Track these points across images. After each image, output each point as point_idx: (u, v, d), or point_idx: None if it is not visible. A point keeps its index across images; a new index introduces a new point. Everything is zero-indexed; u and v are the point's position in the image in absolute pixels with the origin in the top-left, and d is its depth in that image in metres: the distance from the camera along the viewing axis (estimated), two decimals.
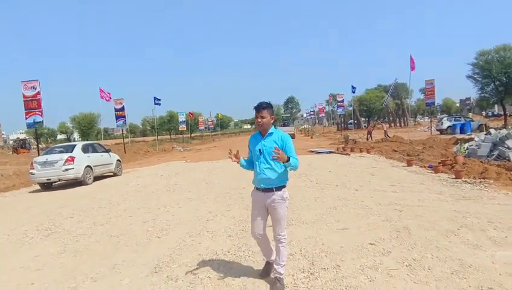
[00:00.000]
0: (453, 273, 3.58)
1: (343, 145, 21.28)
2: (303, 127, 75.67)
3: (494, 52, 30.45)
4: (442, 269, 3.70)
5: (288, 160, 3.32)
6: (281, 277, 3.51)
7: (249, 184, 9.59)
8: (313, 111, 74.40)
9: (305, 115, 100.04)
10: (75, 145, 13.73)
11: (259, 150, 3.48)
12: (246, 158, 3.74)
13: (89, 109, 66.96)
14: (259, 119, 3.46)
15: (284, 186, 3.51)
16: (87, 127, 55.34)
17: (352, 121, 48.01)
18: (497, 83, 30.83)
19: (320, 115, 67.97)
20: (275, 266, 3.58)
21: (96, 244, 5.46)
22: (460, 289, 3.27)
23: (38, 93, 18.33)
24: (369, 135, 28.93)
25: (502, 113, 36.57)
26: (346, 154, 17.57)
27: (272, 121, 3.53)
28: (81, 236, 5.97)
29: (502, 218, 5.36)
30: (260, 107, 3.46)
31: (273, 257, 3.71)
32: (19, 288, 4.03)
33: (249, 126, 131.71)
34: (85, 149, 13.62)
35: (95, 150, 14.34)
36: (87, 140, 43.23)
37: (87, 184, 12.76)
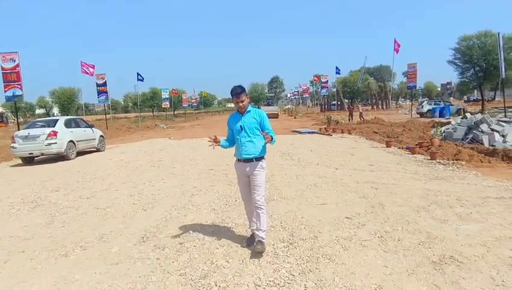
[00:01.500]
0: (419, 244, 3.91)
1: (325, 126, 21.66)
2: (287, 107, 75.88)
3: (476, 38, 30.97)
4: (410, 240, 4.03)
5: (271, 139, 3.76)
6: (263, 240, 3.86)
7: (232, 161, 9.80)
8: (297, 91, 74.59)
9: (289, 95, 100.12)
10: (57, 119, 13.59)
11: (241, 126, 3.89)
12: (225, 139, 4.12)
13: (69, 83, 65.45)
14: (240, 104, 3.87)
15: (262, 157, 3.96)
16: (67, 102, 54.18)
17: (336, 102, 48.41)
18: (477, 68, 31.51)
19: (304, 96, 68.21)
20: (256, 232, 3.90)
21: (84, 216, 5.60)
22: (425, 257, 3.60)
23: (17, 65, 17.86)
24: (350, 116, 29.46)
25: (481, 98, 37.54)
26: (328, 134, 17.93)
27: (248, 100, 3.96)
28: (68, 208, 6.09)
29: (470, 196, 5.75)
30: (238, 93, 3.85)
31: (254, 227, 3.99)
32: (10, 255, 4.17)
33: (232, 105, 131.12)
34: (68, 124, 13.50)
35: (77, 125, 14.22)
36: (67, 115, 42.43)
37: (69, 159, 12.73)
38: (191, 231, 4.61)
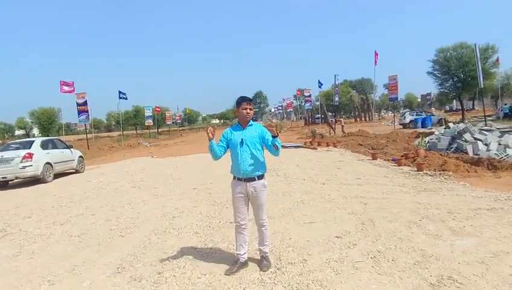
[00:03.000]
0: (415, 264, 3.67)
1: (310, 140, 21.53)
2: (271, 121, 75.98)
3: (452, 50, 31.75)
4: (405, 260, 3.79)
5: (277, 136, 3.60)
6: (266, 255, 3.84)
7: (216, 180, 9.59)
8: (281, 106, 74.96)
9: (273, 110, 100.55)
10: (33, 141, 13.06)
11: (242, 139, 3.65)
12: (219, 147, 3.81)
13: (49, 103, 64.16)
14: (248, 110, 3.68)
15: (263, 175, 3.75)
16: (47, 122, 52.90)
17: (320, 115, 48.69)
18: (455, 79, 32.19)
19: (288, 110, 68.54)
20: (260, 247, 3.85)
21: (55, 245, 5.20)
22: (422, 279, 3.36)
23: None
24: (330, 129, 29.62)
25: (460, 107, 38.30)
26: (314, 148, 17.79)
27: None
28: (39, 237, 5.67)
29: (461, 208, 5.58)
30: (249, 99, 3.73)
31: (243, 253, 3.82)
32: None
33: (217, 121, 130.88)
34: (44, 145, 12.99)
35: (55, 146, 13.71)
36: (48, 136, 41.38)
37: (46, 182, 12.19)
38: (170, 259, 4.27)
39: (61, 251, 4.95)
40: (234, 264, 3.81)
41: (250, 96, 3.82)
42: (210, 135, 3.63)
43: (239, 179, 3.72)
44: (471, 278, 3.31)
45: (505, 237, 4.31)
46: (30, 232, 5.99)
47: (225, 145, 3.79)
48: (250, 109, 3.70)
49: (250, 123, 3.76)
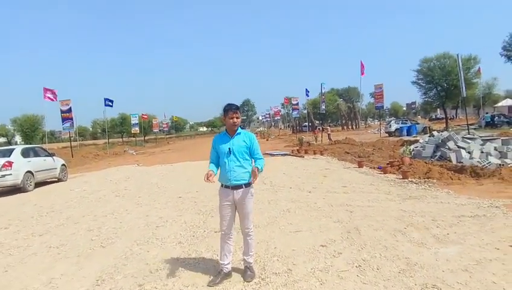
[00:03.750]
0: (400, 272, 3.65)
1: (297, 148, 21.59)
2: (259, 129, 76.13)
3: (436, 60, 32.47)
4: (390, 269, 3.76)
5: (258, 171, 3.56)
6: (251, 265, 3.78)
7: (202, 188, 9.47)
8: (269, 114, 75.15)
9: (260, 118, 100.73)
10: (13, 149, 12.76)
11: (229, 149, 3.61)
12: (213, 164, 3.78)
13: (32, 110, 62.84)
14: (235, 119, 3.62)
15: (251, 183, 3.68)
16: (30, 130, 51.89)
17: (307, 123, 48.96)
18: (439, 88, 32.86)
19: (276, 118, 68.75)
20: (244, 257, 3.80)
21: (33, 257, 5.02)
22: (406, 287, 3.33)
23: None
24: (315, 137, 29.91)
25: (444, 116, 39.02)
26: (301, 156, 17.83)
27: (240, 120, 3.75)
28: (16, 249, 5.47)
29: (444, 216, 5.61)
30: (235, 107, 3.66)
31: (227, 264, 3.74)
32: None
33: (204, 129, 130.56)
34: (25, 153, 12.68)
35: (36, 154, 13.40)
36: (31, 143, 40.56)
37: (27, 191, 11.88)
38: (152, 270, 4.16)
39: (38, 263, 4.77)
40: (217, 275, 3.73)
41: (238, 104, 3.78)
42: (212, 180, 3.57)
43: (226, 187, 3.68)
44: (455, 286, 3.29)
45: (488, 244, 4.33)
46: (6, 244, 5.78)
47: (217, 157, 3.77)
48: (237, 118, 3.65)
49: (238, 131, 3.70)
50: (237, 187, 3.62)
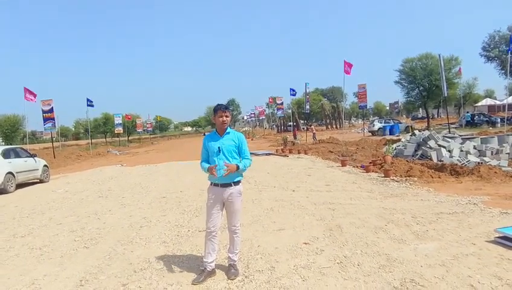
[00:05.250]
0: (380, 268, 3.76)
1: (282, 147, 21.71)
2: (244, 129, 76.14)
3: (418, 60, 33.06)
4: (370, 265, 3.87)
5: (237, 168, 3.65)
6: (235, 263, 3.84)
7: (186, 188, 9.49)
8: (254, 114, 75.21)
9: (245, 118, 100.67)
10: None
11: (219, 147, 3.70)
12: (204, 162, 3.87)
13: (12, 110, 61.51)
14: (224, 118, 3.71)
15: (240, 181, 3.81)
16: (10, 130, 50.74)
17: (292, 123, 49.19)
18: (421, 88, 33.46)
19: (261, 118, 68.88)
20: (229, 255, 3.87)
21: (15, 259, 4.95)
22: (386, 282, 3.43)
23: None
24: (294, 135, 30.25)
25: (426, 115, 39.79)
26: (285, 155, 17.95)
27: (230, 119, 3.84)
28: None
29: (424, 213, 5.77)
30: (224, 107, 3.75)
31: (210, 262, 3.78)
32: None
33: (189, 128, 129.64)
34: (6, 154, 12.41)
35: (17, 155, 13.14)
36: (11, 144, 39.69)
37: (8, 192, 11.63)
38: (136, 270, 4.16)
39: (20, 264, 4.71)
40: (201, 273, 3.76)
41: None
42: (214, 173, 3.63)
43: (215, 185, 3.76)
44: (432, 281, 3.41)
45: (465, 239, 4.49)
46: None
47: (208, 155, 3.85)
48: (227, 116, 3.73)
49: (227, 131, 3.79)
50: (226, 185, 3.71)
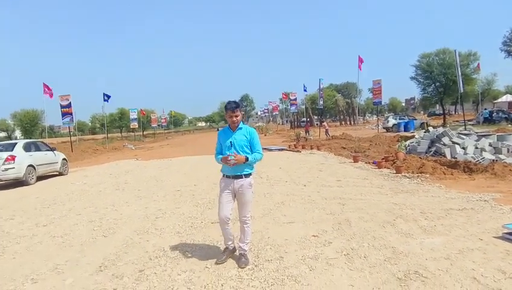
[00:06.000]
0: (385, 260, 3.88)
1: (294, 143, 21.80)
2: (257, 124, 76.27)
3: (435, 55, 32.57)
4: (376, 257, 3.99)
5: (246, 160, 3.82)
6: (245, 252, 4.02)
7: (199, 181, 9.71)
8: (267, 109, 75.29)
9: (259, 113, 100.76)
10: (15, 143, 12.95)
11: (231, 142, 3.92)
12: (219, 155, 4.03)
13: (32, 105, 62.96)
14: (234, 118, 3.90)
15: (251, 174, 3.99)
16: (30, 125, 52.09)
17: (305, 119, 49.12)
18: (437, 84, 33.00)
19: (274, 113, 68.89)
20: (240, 244, 4.06)
21: (38, 246, 5.25)
22: (390, 274, 3.56)
23: None
24: (306, 132, 30.26)
25: (442, 112, 39.22)
26: (298, 151, 18.04)
27: (241, 116, 4.01)
28: (22, 238, 5.70)
29: (433, 209, 5.83)
30: (234, 107, 3.89)
31: (231, 243, 4.13)
32: None
33: (203, 124, 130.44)
34: (27, 148, 12.89)
35: (38, 149, 13.61)
36: (31, 138, 40.73)
37: (29, 184, 12.09)
38: (152, 257, 4.39)
39: (44, 251, 5.00)
40: (224, 252, 4.14)
41: (237, 99, 4.04)
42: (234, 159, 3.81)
43: (227, 177, 3.97)
44: (436, 273, 3.52)
45: (472, 235, 4.56)
46: (13, 233, 6.01)
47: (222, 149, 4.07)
48: (236, 116, 3.91)
49: (239, 126, 3.98)
50: (237, 177, 3.90)
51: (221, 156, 3.94)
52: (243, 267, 3.87)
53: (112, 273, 4.01)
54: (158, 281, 3.71)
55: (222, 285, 3.53)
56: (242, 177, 3.91)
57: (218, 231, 5.11)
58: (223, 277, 3.71)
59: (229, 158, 3.78)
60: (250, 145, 3.97)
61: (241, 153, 3.87)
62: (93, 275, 4.01)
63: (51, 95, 26.58)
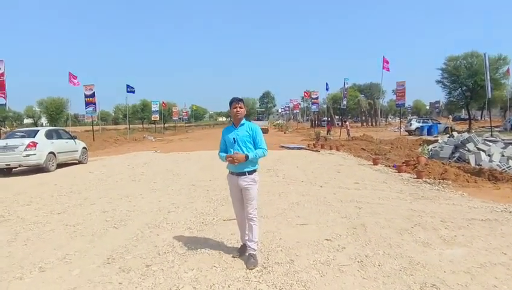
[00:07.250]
0: (401, 270, 3.69)
1: (314, 142, 21.53)
2: (278, 122, 75.96)
3: (462, 59, 31.55)
4: (391, 266, 3.80)
5: (246, 158, 3.79)
6: (254, 253, 3.95)
7: (215, 177, 9.66)
8: (288, 107, 74.85)
9: (280, 110, 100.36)
10: (38, 130, 13.22)
11: (234, 138, 3.92)
12: (222, 152, 4.08)
13: (58, 93, 64.53)
14: (237, 109, 3.92)
15: (255, 171, 3.98)
16: (55, 112, 53.35)
17: (326, 118, 48.57)
18: (464, 88, 32.00)
19: (295, 111, 68.45)
20: (248, 243, 4.01)
21: (50, 233, 5.28)
22: (405, 285, 3.37)
23: (2, 74, 17.47)
24: (328, 131, 29.83)
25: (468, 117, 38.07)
26: (316, 150, 17.79)
27: (245, 111, 4.03)
28: (36, 224, 5.76)
29: (455, 218, 5.57)
30: (238, 99, 3.97)
31: (247, 238, 4.08)
32: None
33: (224, 118, 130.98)
34: (49, 135, 13.14)
35: (59, 136, 13.86)
36: (55, 125, 41.76)
37: (49, 171, 12.32)
38: (160, 252, 4.33)
39: (55, 239, 5.02)
40: (240, 249, 4.19)
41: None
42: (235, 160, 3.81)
43: (232, 173, 4.00)
44: (455, 287, 3.32)
45: (495, 248, 4.31)
46: (27, 220, 6.08)
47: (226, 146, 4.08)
48: (240, 108, 3.93)
49: (242, 122, 4.00)
50: (241, 174, 3.91)
51: (224, 154, 3.98)
52: (251, 269, 3.76)
53: (119, 266, 3.97)
54: (164, 277, 3.63)
55: (229, 286, 3.42)
56: (245, 175, 3.91)
57: (229, 229, 5.08)
58: (230, 277, 3.60)
59: (229, 159, 3.80)
60: (253, 141, 3.95)
61: (244, 149, 3.87)
62: (101, 267, 3.98)
63: (77, 84, 27.11)
